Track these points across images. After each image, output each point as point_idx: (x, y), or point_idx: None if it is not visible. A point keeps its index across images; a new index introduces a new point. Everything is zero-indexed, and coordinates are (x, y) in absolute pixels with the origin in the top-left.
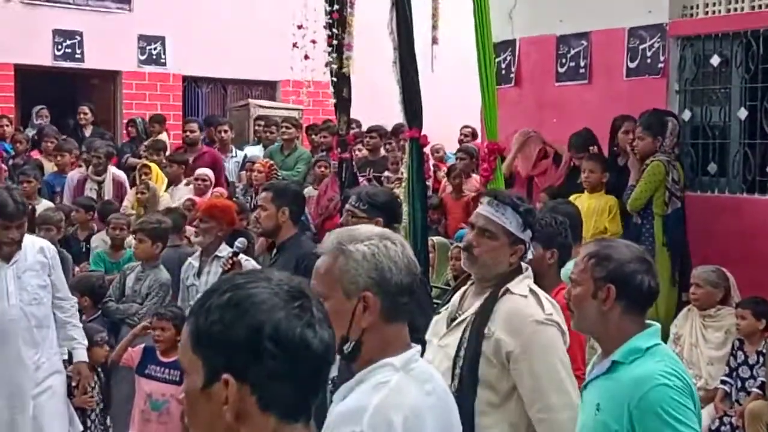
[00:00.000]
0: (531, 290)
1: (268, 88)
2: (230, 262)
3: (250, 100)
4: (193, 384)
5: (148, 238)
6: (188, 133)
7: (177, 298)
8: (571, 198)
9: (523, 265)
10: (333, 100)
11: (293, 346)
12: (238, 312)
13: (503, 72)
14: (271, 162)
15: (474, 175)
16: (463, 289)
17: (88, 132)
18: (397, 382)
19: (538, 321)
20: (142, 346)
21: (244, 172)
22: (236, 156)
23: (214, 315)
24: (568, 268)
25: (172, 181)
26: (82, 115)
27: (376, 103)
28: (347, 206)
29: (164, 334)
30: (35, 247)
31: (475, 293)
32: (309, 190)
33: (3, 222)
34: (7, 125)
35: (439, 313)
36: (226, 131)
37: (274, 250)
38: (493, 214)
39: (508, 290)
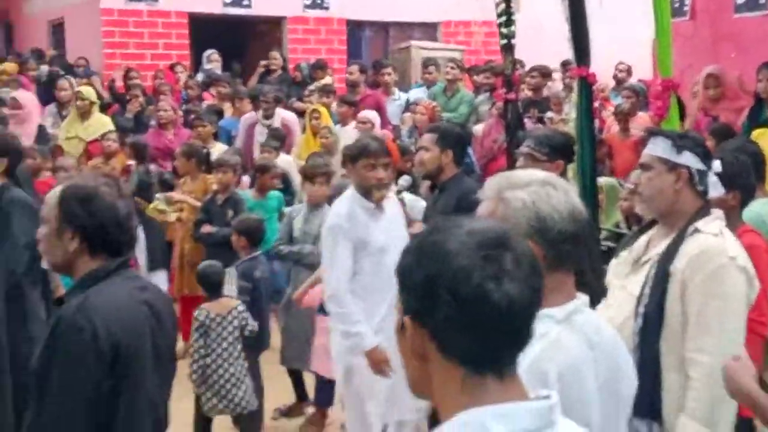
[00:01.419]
0: (722, 231)
1: (430, 30)
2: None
3: (411, 42)
4: (396, 323)
5: (323, 180)
6: (350, 76)
7: None
8: (754, 136)
9: (713, 209)
10: (502, 41)
11: (469, 297)
12: (421, 257)
13: (677, 4)
14: (435, 104)
15: (641, 114)
16: (649, 233)
17: (275, 77)
18: (557, 335)
19: (725, 260)
20: (320, 286)
21: (407, 114)
22: (399, 99)
23: (404, 259)
24: (753, 210)
25: (341, 123)
26: (273, 61)
27: (540, 43)
28: (524, 149)
29: None
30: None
31: (662, 235)
32: (477, 129)
33: (367, 161)
34: (181, 72)
35: (617, 256)
36: (389, 74)
37: (436, 191)
38: (648, 147)
39: (696, 229)
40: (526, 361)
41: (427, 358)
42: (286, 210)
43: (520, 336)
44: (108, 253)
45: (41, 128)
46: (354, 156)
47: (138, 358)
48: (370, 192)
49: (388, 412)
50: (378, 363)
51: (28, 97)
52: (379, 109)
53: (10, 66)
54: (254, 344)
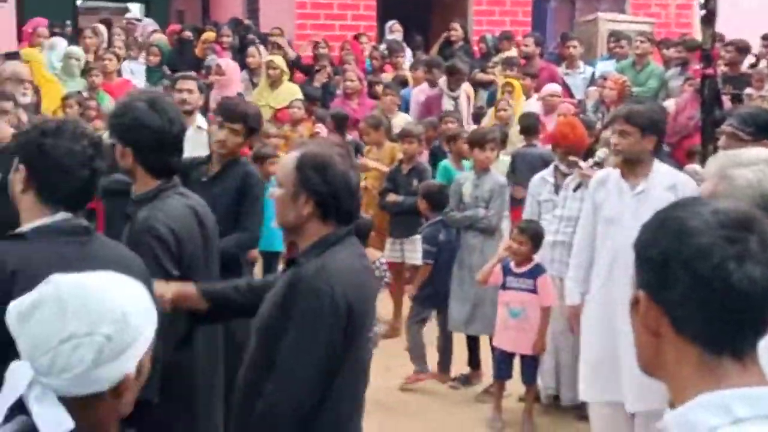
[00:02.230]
0: None
1: (618, 1)
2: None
3: (598, 14)
4: (631, 297)
5: (493, 146)
6: (525, 48)
7: None
8: None
9: None
10: (701, 12)
11: (706, 276)
12: (660, 233)
13: None
14: (624, 78)
15: None
16: None
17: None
18: None
19: None
20: (501, 265)
21: (593, 88)
22: (584, 72)
23: (643, 233)
24: None
25: (525, 95)
26: (453, 32)
27: (736, 16)
28: (727, 128)
29: (520, 248)
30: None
31: None
32: (667, 104)
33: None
34: (365, 42)
35: None
36: (574, 46)
37: None
38: None
39: None
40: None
41: (660, 334)
42: (457, 177)
43: (762, 319)
44: (337, 220)
45: (240, 95)
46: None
47: (364, 321)
48: None
49: (636, 401)
50: (571, 318)
51: (229, 64)
52: (554, 82)
53: (209, 35)
54: (431, 304)
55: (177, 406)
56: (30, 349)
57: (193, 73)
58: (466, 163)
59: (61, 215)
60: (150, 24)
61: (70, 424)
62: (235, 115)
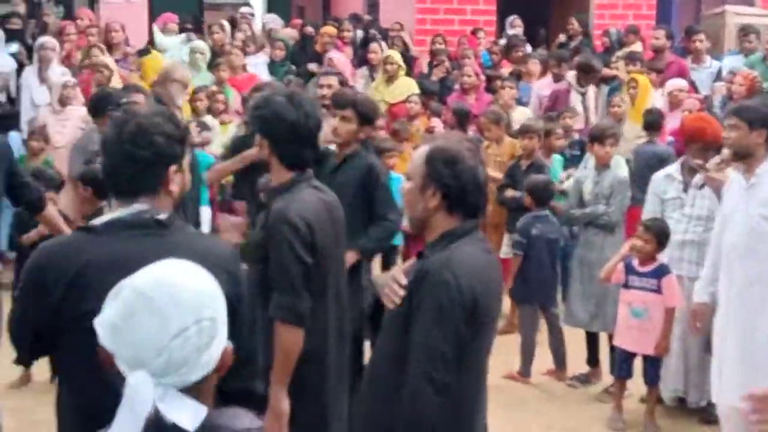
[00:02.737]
0: None
1: None
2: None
3: (726, 7)
4: None
5: (612, 142)
6: (656, 41)
7: None
8: None
9: None
10: None
11: None
12: None
13: None
14: (754, 73)
15: None
16: None
17: (575, 43)
18: None
19: None
20: (623, 263)
21: (720, 83)
22: (710, 66)
23: None
24: None
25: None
26: (570, 27)
27: None
28: None
29: (645, 247)
30: None
31: None
32: None
33: None
34: (483, 37)
35: None
36: (701, 40)
37: None
38: None
39: None
40: None
41: None
42: (575, 175)
43: None
44: (464, 214)
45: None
46: None
47: (489, 315)
48: None
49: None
50: (693, 317)
51: (341, 58)
52: (683, 77)
53: (329, 29)
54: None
55: (308, 395)
56: (137, 357)
57: (334, 69)
58: (556, 158)
59: (136, 207)
60: (273, 20)
61: (204, 408)
62: (343, 102)
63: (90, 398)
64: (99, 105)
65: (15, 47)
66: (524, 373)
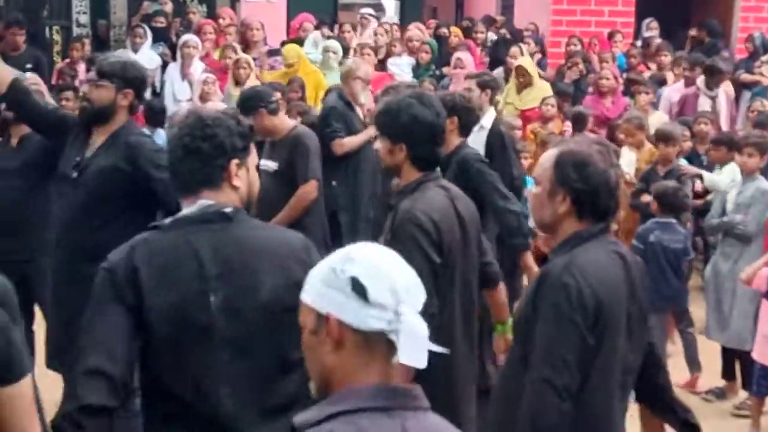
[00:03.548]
0: None
1: None
2: None
3: None
4: None
5: (752, 151)
6: None
7: None
8: None
9: None
10: None
11: None
12: None
13: None
14: None
15: None
16: None
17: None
18: None
19: None
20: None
21: None
22: None
23: None
24: None
25: None
26: (699, 31)
27: None
28: None
29: None
30: None
31: None
32: None
33: None
34: (619, 40)
35: None
36: None
37: None
38: None
39: None
40: None
41: None
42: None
43: None
44: (594, 218)
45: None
46: None
47: (616, 319)
48: None
49: None
50: None
51: (468, 58)
52: None
53: (457, 30)
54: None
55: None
56: (395, 295)
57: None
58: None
59: (201, 202)
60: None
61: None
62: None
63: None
64: (249, 102)
65: (160, 48)
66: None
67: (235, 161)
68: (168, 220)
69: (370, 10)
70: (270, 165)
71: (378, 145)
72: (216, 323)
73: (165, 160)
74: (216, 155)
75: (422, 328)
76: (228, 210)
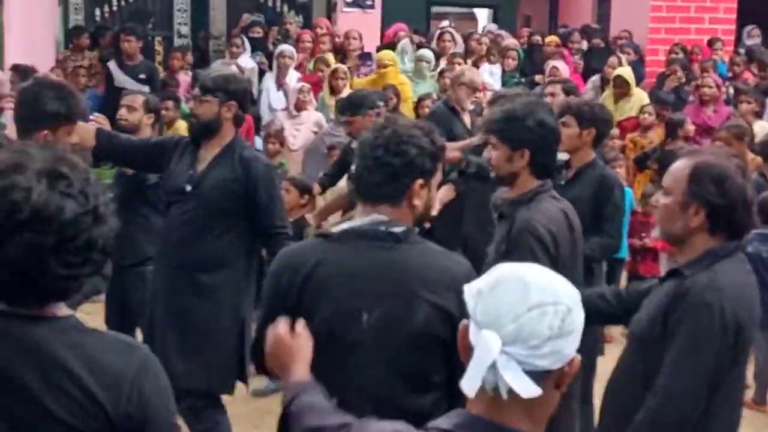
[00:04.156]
0: None
1: None
2: None
3: None
4: None
5: None
6: None
7: None
8: None
9: None
10: None
11: None
12: None
13: None
14: None
15: None
16: None
17: None
18: None
19: None
20: None
21: None
22: None
23: None
24: None
25: None
26: None
27: None
28: None
29: None
30: None
31: None
32: None
33: None
34: (719, 48)
35: None
36: None
37: None
38: None
39: None
40: None
41: None
42: None
43: None
44: (727, 234)
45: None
46: None
47: (750, 340)
48: None
49: None
50: None
51: (564, 67)
52: None
53: (554, 39)
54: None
55: None
56: (494, 318)
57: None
58: None
59: (375, 217)
60: (497, 30)
61: (539, 389)
62: (561, 109)
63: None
64: (359, 102)
65: (257, 58)
66: (758, 399)
67: (420, 181)
68: (337, 230)
69: (447, 23)
70: None
71: (490, 153)
72: (365, 341)
73: (275, 179)
74: (404, 173)
75: (489, 357)
76: (398, 230)
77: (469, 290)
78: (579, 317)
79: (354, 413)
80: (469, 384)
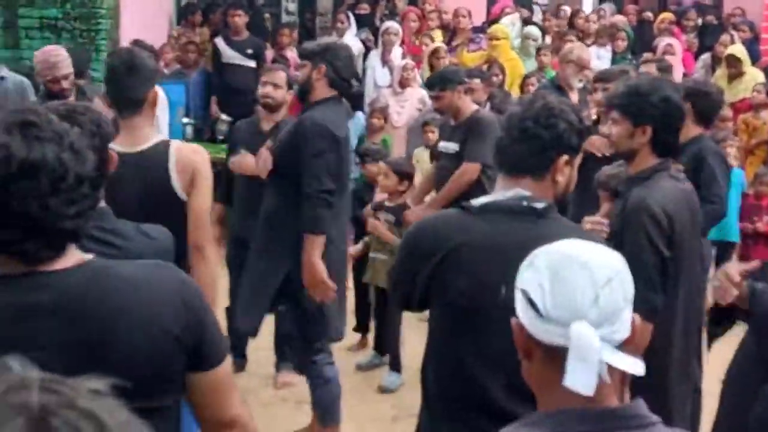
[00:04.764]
0: None
1: None
2: None
3: None
4: None
5: None
6: None
7: None
8: None
9: None
10: None
11: None
12: None
13: None
14: None
15: None
16: None
17: None
18: None
19: None
20: None
21: None
22: None
23: None
24: None
25: None
26: None
27: None
28: None
29: None
30: None
31: None
32: None
33: None
34: None
35: None
36: None
37: None
38: None
39: None
40: None
41: None
42: None
43: None
44: None
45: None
46: None
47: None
48: None
49: None
50: None
51: (677, 44)
52: None
53: (667, 15)
54: None
55: (650, 391)
56: (574, 308)
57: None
58: None
59: (517, 191)
60: (607, 8)
61: (641, 363)
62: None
63: (442, 364)
64: (448, 77)
65: (363, 34)
66: None
67: (565, 157)
68: (478, 203)
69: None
70: (450, 147)
71: (609, 128)
72: (501, 314)
73: (324, 146)
74: (550, 147)
75: (594, 350)
76: (540, 206)
77: (527, 291)
78: (630, 277)
79: (486, 384)
80: (584, 382)
